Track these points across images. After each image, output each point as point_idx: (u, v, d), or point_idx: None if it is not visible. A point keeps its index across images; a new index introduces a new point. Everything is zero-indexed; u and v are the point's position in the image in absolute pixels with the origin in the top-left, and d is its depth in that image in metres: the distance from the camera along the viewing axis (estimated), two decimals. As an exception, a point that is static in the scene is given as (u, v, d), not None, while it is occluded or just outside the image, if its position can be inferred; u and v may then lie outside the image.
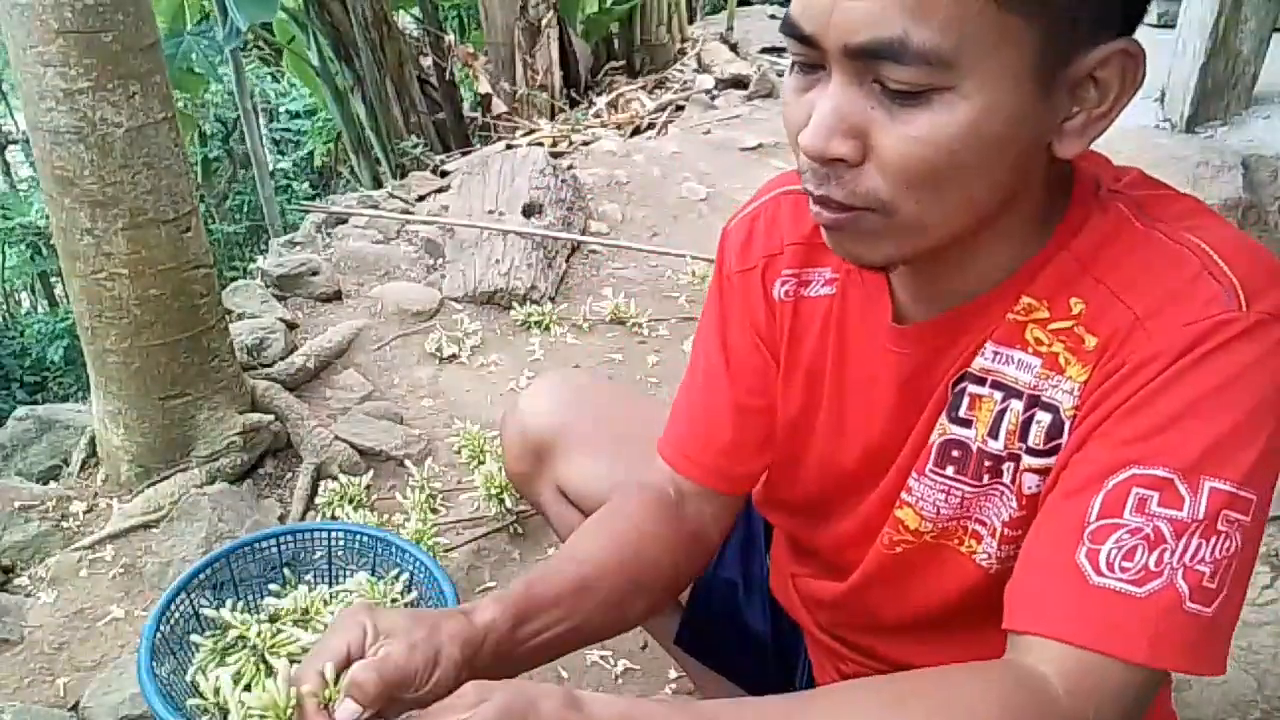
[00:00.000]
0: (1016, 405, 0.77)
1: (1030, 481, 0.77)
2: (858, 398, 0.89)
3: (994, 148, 0.66)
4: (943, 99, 0.63)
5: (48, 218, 2.22)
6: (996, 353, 0.77)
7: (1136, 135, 2.00)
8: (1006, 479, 0.79)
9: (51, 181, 1.86)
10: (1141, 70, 0.67)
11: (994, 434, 0.79)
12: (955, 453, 0.81)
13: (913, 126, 0.64)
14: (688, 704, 0.69)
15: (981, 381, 0.79)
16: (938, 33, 0.61)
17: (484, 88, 5.43)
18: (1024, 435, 0.77)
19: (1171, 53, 2.00)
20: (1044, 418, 0.75)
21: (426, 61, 5.95)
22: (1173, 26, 2.04)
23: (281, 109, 7.53)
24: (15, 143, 7.56)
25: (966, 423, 0.80)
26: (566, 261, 3.18)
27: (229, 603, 1.21)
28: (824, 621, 1.06)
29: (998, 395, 0.78)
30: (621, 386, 1.24)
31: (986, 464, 0.80)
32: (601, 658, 1.66)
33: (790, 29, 0.67)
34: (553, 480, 1.24)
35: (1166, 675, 0.68)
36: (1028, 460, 0.77)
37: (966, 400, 0.80)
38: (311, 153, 7.04)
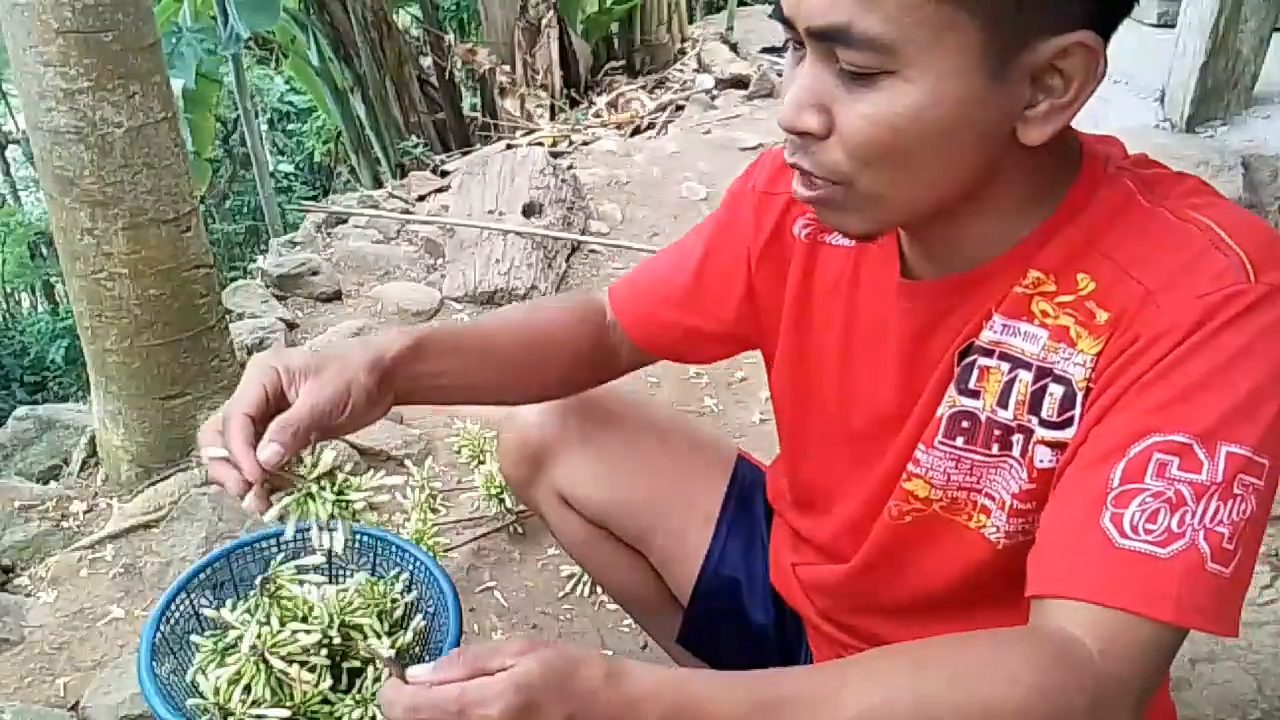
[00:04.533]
0: (1025, 376, 0.78)
1: (1043, 454, 0.78)
2: (866, 352, 0.91)
3: (943, 130, 0.69)
4: (889, 82, 0.67)
5: (48, 218, 2.22)
6: (1005, 325, 0.79)
7: (1136, 135, 2.00)
8: (1016, 451, 0.80)
9: (51, 181, 1.86)
10: (1101, 64, 0.69)
11: (1003, 404, 0.80)
12: (965, 424, 0.83)
13: (864, 104, 0.68)
14: (727, 673, 0.69)
15: (989, 354, 0.80)
16: (881, 21, 0.65)
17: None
18: (1035, 407, 0.78)
19: (1171, 53, 2.00)
20: (1056, 390, 0.77)
21: (426, 61, 5.95)
22: (1173, 26, 2.03)
23: (281, 108, 7.53)
24: (15, 143, 7.56)
25: (975, 394, 0.82)
26: (566, 261, 3.18)
27: (229, 602, 1.21)
28: (826, 608, 1.06)
29: (1005, 366, 0.80)
30: (619, 389, 1.24)
31: (996, 433, 0.81)
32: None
33: (776, 10, 0.73)
34: (552, 486, 1.24)
35: (1185, 634, 0.70)
36: (1040, 433, 0.78)
37: (975, 373, 0.81)
38: (312, 153, 7.04)
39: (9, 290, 7.50)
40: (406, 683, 0.67)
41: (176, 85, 3.61)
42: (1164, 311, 0.70)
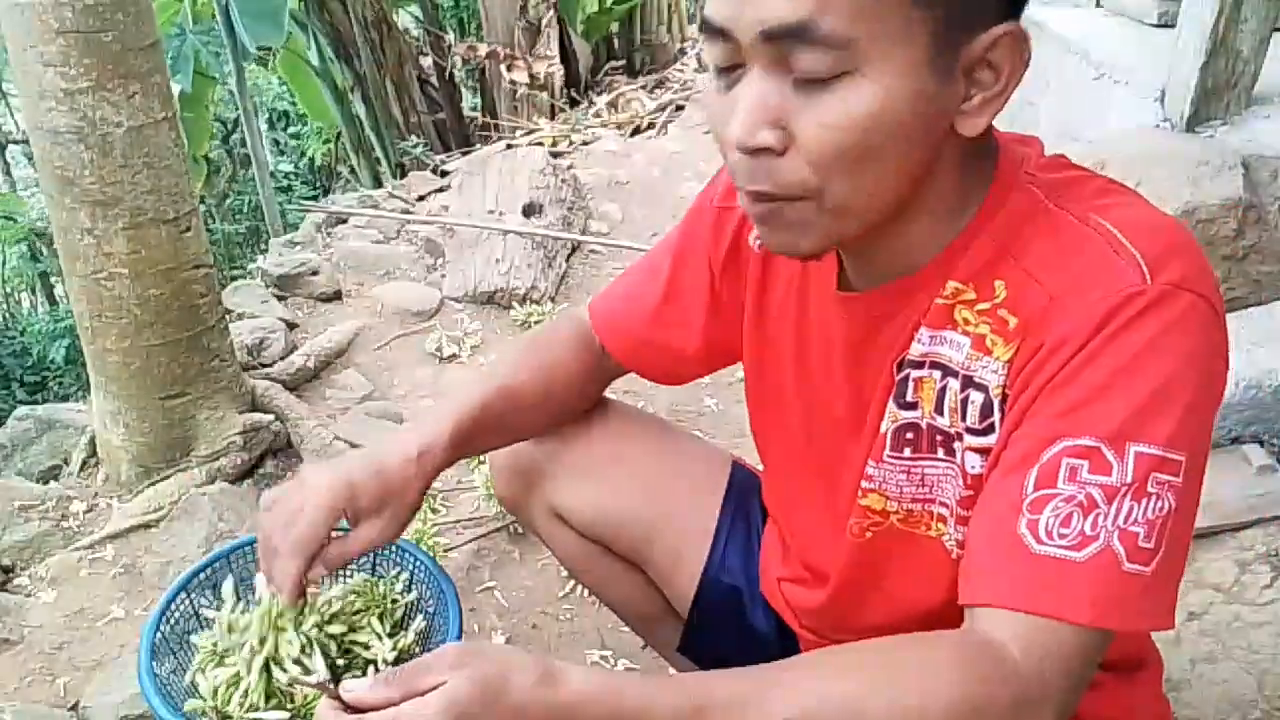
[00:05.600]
0: (954, 384, 0.80)
1: (972, 461, 0.80)
2: (817, 362, 0.92)
3: (901, 129, 0.69)
4: (850, 83, 0.67)
5: (48, 217, 2.23)
6: (932, 336, 0.81)
7: (1136, 135, 2.00)
8: (957, 458, 0.82)
9: (51, 181, 1.86)
10: (1028, 50, 0.70)
11: (939, 410, 0.82)
12: (909, 434, 0.84)
13: (826, 112, 0.68)
14: (663, 676, 0.72)
15: (920, 365, 0.82)
16: (843, 19, 0.65)
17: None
18: (964, 414, 0.80)
19: (1171, 53, 2.00)
20: (977, 397, 0.78)
21: (426, 61, 5.95)
22: (1173, 26, 2.03)
23: (281, 109, 7.53)
24: (15, 143, 7.56)
25: (913, 405, 0.83)
26: (566, 261, 3.18)
27: (229, 603, 1.20)
28: (812, 625, 1.07)
29: (936, 375, 0.81)
30: (614, 401, 1.24)
31: (938, 438, 0.82)
32: (602, 657, 1.66)
33: (707, 25, 0.71)
34: (545, 503, 1.23)
35: (1111, 634, 0.71)
36: (969, 440, 0.80)
37: (911, 385, 0.83)
38: (312, 154, 7.04)
39: (9, 290, 7.50)
40: (341, 702, 0.68)
41: (174, 89, 3.61)
42: (1066, 317, 0.71)
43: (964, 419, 0.79)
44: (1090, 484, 0.68)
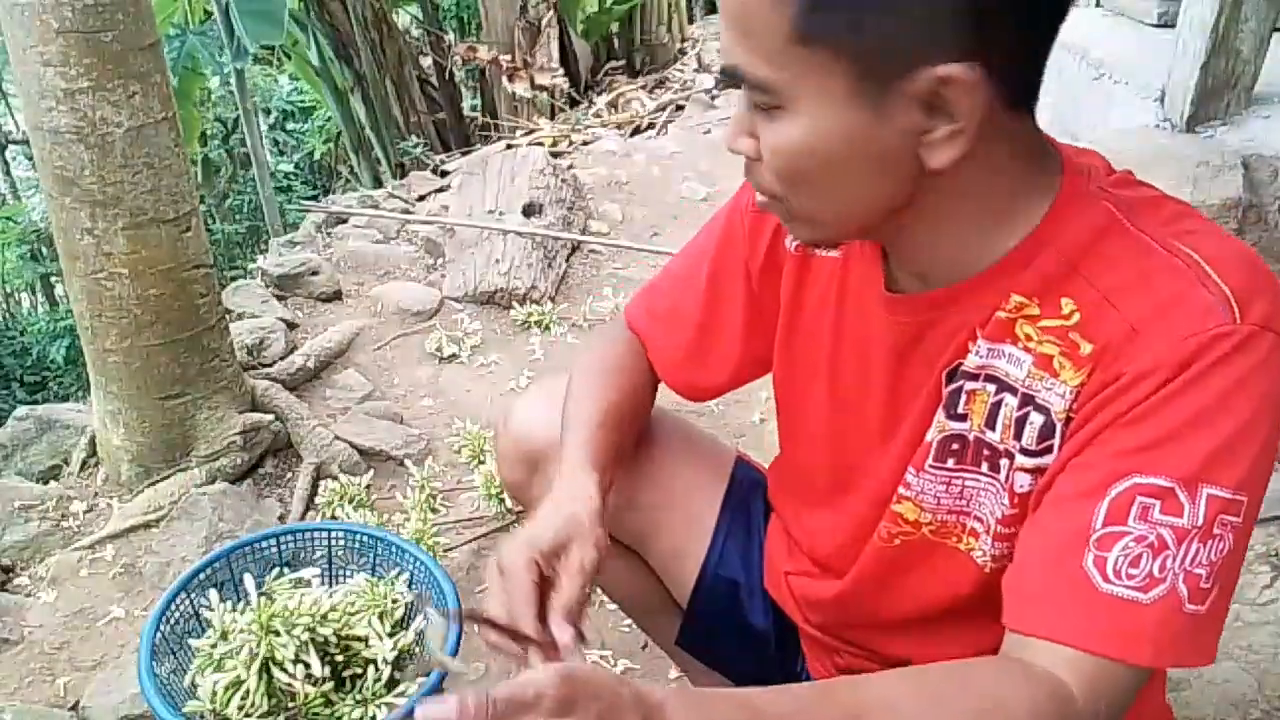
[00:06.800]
0: (1011, 400, 0.78)
1: (1022, 480, 0.79)
2: (853, 363, 0.92)
3: (841, 160, 0.71)
4: (782, 116, 0.72)
5: (48, 218, 2.22)
6: (990, 349, 0.79)
7: (1136, 135, 2.00)
8: (1002, 475, 0.81)
9: (51, 181, 1.86)
10: (980, 95, 0.66)
11: (990, 425, 0.80)
12: (955, 446, 0.83)
13: (770, 135, 0.74)
14: (749, 701, 0.66)
15: (975, 378, 0.81)
16: (761, 64, 0.70)
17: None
18: (1019, 433, 0.78)
19: (1171, 53, 2.00)
20: (1037, 418, 0.77)
21: (426, 61, 5.96)
22: (1173, 26, 2.03)
23: (282, 109, 7.53)
24: (15, 143, 7.56)
25: (963, 418, 0.82)
26: (566, 261, 3.18)
27: (228, 604, 1.21)
28: (820, 621, 1.07)
29: (991, 389, 0.80)
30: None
31: (985, 453, 0.81)
32: (601, 657, 1.66)
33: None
34: (548, 487, 1.23)
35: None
36: (1021, 460, 0.79)
37: (963, 398, 0.82)
38: (312, 152, 7.04)
39: (9, 290, 7.51)
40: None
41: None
42: (1150, 349, 0.69)
43: (1018, 438, 0.78)
44: (1162, 525, 0.68)
